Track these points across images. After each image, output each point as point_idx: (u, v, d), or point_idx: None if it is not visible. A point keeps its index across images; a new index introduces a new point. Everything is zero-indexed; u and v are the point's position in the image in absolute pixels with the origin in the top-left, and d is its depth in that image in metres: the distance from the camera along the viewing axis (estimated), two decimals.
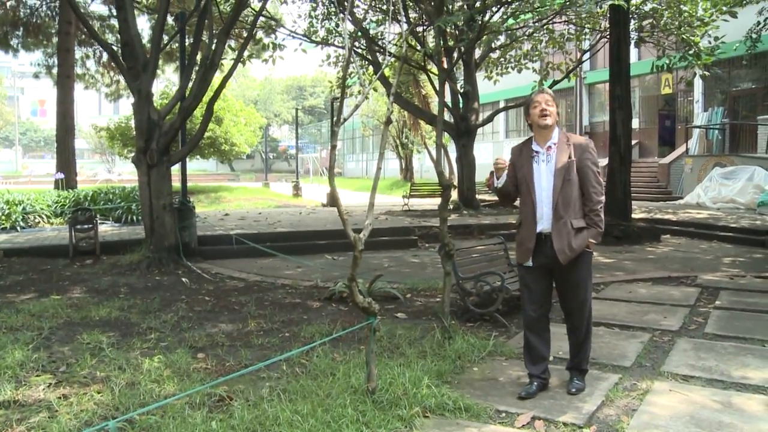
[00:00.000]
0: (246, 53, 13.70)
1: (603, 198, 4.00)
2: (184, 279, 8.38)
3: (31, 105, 73.48)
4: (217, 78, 11.26)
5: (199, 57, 10.16)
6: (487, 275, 5.79)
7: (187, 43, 10.96)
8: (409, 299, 6.94)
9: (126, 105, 32.33)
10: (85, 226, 10.28)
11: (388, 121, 3.57)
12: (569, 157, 3.90)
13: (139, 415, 3.61)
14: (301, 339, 5.36)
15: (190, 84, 9.98)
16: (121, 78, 24.80)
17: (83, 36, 22.18)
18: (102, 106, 68.49)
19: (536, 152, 4.00)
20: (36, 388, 4.22)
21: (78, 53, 22.20)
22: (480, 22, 13.72)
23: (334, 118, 3.88)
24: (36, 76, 25.19)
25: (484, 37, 15.32)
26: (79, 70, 23.04)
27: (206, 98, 10.43)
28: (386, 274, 7.65)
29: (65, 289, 7.76)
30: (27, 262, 9.49)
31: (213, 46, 9.52)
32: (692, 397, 3.95)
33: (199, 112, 16.86)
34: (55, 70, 22.27)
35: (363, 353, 4.67)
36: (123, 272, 8.82)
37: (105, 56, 23.50)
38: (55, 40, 21.49)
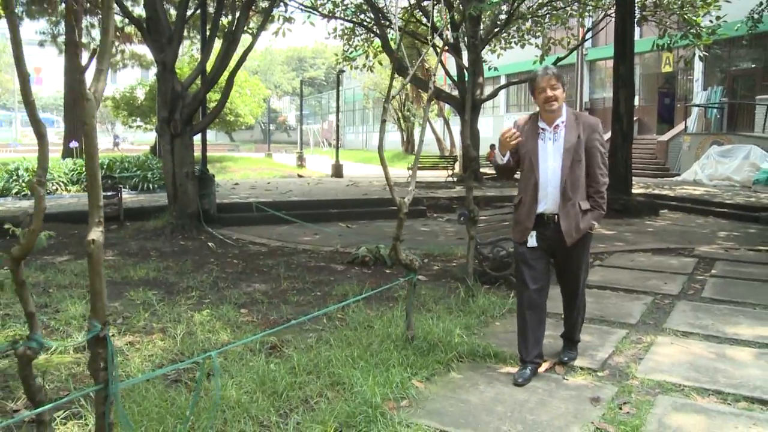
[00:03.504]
0: (253, 25, 13.93)
1: (607, 180, 3.90)
2: (210, 244, 8.84)
3: None
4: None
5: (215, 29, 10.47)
6: (503, 241, 6.27)
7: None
8: (427, 264, 7.42)
9: (126, 75, 32.32)
10: (109, 193, 10.68)
11: (430, 99, 4.01)
12: (578, 137, 3.77)
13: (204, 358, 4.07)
14: (334, 297, 5.84)
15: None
16: (126, 48, 25.02)
17: (89, 5, 22.29)
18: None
19: (542, 129, 3.83)
20: None
21: (83, 22, 22.26)
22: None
23: (390, 94, 4.12)
24: (41, 44, 25.26)
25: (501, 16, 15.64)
26: (83, 39, 23.15)
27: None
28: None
29: None
30: (54, 227, 9.82)
31: (235, 20, 9.86)
32: (691, 348, 4.45)
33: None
34: (60, 39, 22.38)
35: (393, 309, 5.15)
36: (149, 237, 9.28)
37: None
38: (61, 8, 21.56)
